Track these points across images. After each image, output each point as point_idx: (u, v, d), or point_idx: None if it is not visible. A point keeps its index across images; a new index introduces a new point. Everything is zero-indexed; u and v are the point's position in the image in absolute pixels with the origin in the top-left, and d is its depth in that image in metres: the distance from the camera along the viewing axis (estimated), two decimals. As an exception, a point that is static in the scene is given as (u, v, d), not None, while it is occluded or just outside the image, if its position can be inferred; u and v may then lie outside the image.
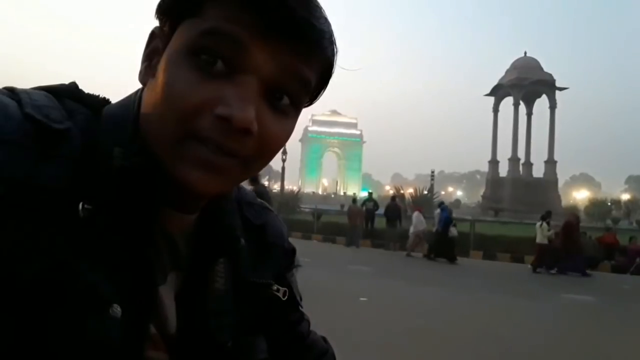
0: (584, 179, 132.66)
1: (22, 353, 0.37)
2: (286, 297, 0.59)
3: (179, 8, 0.43)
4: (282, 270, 0.62)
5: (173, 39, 0.43)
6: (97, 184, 0.42)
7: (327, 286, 7.27)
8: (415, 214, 13.24)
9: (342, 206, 21.01)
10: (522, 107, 38.67)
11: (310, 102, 0.50)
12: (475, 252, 13.37)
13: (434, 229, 12.44)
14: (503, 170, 38.52)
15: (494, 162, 39.52)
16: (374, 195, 17.77)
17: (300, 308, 0.65)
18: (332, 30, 0.46)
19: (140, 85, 0.48)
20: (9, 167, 0.37)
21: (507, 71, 38.81)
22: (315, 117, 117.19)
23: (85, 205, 0.40)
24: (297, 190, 26.86)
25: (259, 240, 0.59)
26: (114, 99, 0.50)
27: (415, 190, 20.88)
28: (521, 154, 38.27)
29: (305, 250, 10.27)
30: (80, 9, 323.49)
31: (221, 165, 0.42)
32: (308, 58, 0.44)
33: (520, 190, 34.25)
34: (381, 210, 15.02)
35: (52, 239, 0.38)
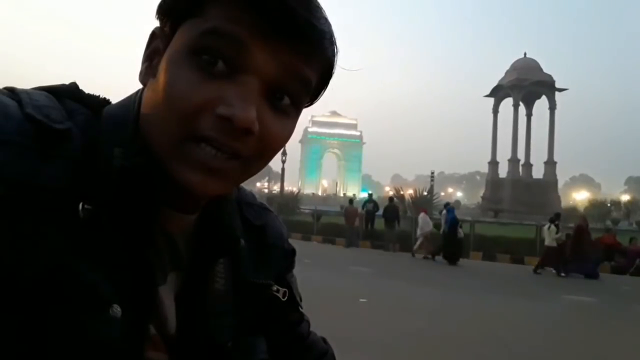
0: (583, 180, 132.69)
1: (23, 353, 0.37)
2: (286, 297, 0.59)
3: (179, 8, 0.43)
4: (282, 271, 0.63)
5: (174, 40, 0.44)
6: (97, 184, 0.42)
7: (327, 287, 7.27)
8: (421, 215, 13.16)
9: (342, 207, 21.02)
10: (522, 108, 38.68)
11: (311, 102, 0.50)
12: (474, 253, 13.38)
13: (441, 230, 12.35)
14: (503, 171, 38.56)
15: (493, 163, 39.52)
16: (375, 196, 17.78)
17: (300, 309, 0.65)
18: (332, 31, 0.46)
19: (140, 86, 0.48)
20: (9, 167, 0.37)
21: (507, 72, 38.83)
22: (315, 118, 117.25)
23: (86, 206, 0.40)
24: (297, 191, 26.87)
25: (259, 241, 0.59)
26: (114, 100, 0.50)
27: (415, 191, 20.84)
28: (521, 155, 38.29)
29: (305, 251, 10.27)
30: (80, 9, 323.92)
31: (221, 168, 0.42)
32: (309, 58, 0.44)
33: (520, 191, 34.25)
34: (380, 211, 15.01)
35: (52, 239, 0.38)
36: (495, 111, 40.23)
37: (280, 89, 0.44)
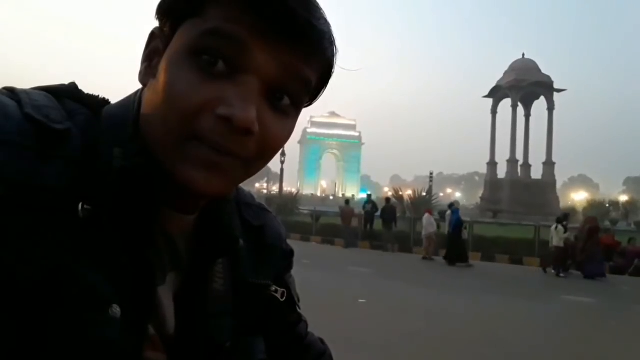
0: (582, 181, 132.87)
1: (23, 353, 0.37)
2: (284, 298, 0.60)
3: (179, 8, 0.43)
4: (281, 272, 0.63)
5: (174, 40, 0.44)
6: (97, 184, 0.42)
7: (326, 288, 7.27)
8: (426, 217, 13.07)
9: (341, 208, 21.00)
10: (521, 109, 38.67)
11: (310, 102, 0.50)
12: (473, 254, 13.37)
13: (446, 231, 12.26)
14: (501, 171, 38.53)
15: (492, 164, 39.50)
16: (374, 197, 17.78)
17: (298, 309, 0.65)
18: (332, 31, 0.46)
19: (140, 86, 0.48)
20: (9, 168, 0.37)
21: (506, 73, 38.83)
22: (314, 119, 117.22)
23: (85, 206, 0.40)
24: (296, 192, 26.85)
25: (258, 242, 0.59)
26: (113, 100, 0.50)
27: (414, 191, 20.84)
28: (519, 155, 38.31)
29: (304, 251, 10.26)
30: (80, 9, 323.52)
31: (223, 165, 0.42)
32: (309, 58, 0.44)
33: (519, 192, 34.26)
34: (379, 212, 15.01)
35: (52, 239, 0.38)
36: (494, 112, 40.23)
37: (280, 89, 0.44)
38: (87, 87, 0.50)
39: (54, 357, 0.37)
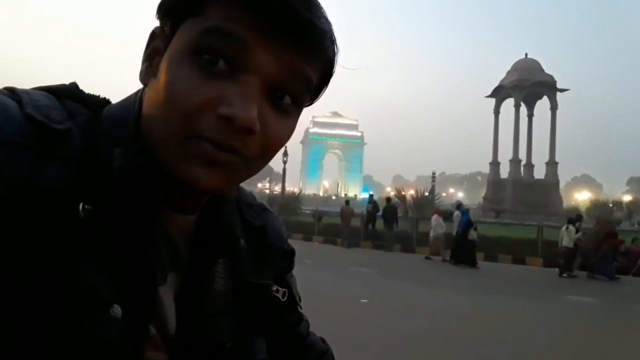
0: (585, 180, 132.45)
1: (23, 353, 0.37)
2: (285, 298, 0.60)
3: (180, 7, 0.43)
4: (282, 272, 0.63)
5: (174, 39, 0.44)
6: (97, 184, 0.42)
7: (328, 287, 7.27)
8: (434, 217, 12.94)
9: (343, 208, 20.98)
10: (523, 109, 38.55)
11: (311, 101, 0.50)
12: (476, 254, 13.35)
13: (454, 232, 12.13)
14: (504, 171, 38.43)
15: (495, 164, 39.41)
16: (376, 197, 17.78)
17: (299, 309, 0.65)
18: (332, 30, 0.46)
19: (140, 86, 0.48)
20: (9, 168, 0.37)
21: (508, 72, 38.72)
22: (316, 119, 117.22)
23: (86, 206, 0.40)
24: (298, 191, 26.85)
25: (259, 242, 0.59)
26: (114, 100, 0.50)
27: (417, 191, 20.85)
28: (522, 155, 38.16)
29: (307, 251, 10.26)
30: (80, 9, 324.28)
31: (225, 161, 0.42)
32: (310, 57, 0.44)
33: (522, 192, 34.16)
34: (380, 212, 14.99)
35: (53, 239, 0.38)
36: (497, 112, 40.12)
37: (281, 88, 0.44)
38: (88, 87, 0.50)
39: (55, 357, 0.37)
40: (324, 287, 7.10)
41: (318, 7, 0.44)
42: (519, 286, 9.28)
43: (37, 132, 0.40)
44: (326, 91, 0.50)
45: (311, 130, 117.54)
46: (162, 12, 0.45)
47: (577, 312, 7.26)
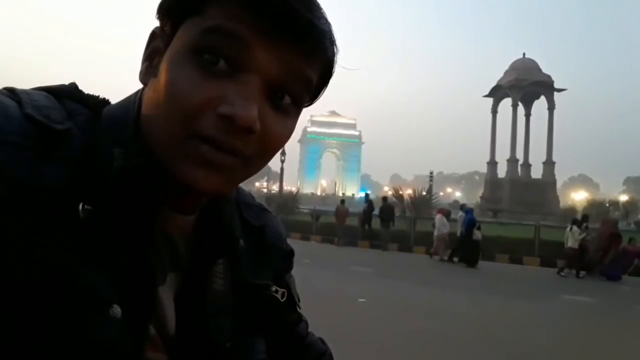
0: (582, 180, 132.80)
1: (23, 353, 0.37)
2: (285, 298, 0.60)
3: (180, 7, 0.44)
4: (281, 272, 0.63)
5: (175, 39, 0.44)
6: (97, 184, 0.42)
7: (326, 287, 7.27)
8: (438, 217, 12.90)
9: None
10: (521, 108, 38.64)
11: (311, 102, 0.50)
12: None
13: (458, 232, 12.10)
14: (501, 171, 38.52)
15: (492, 163, 39.49)
16: (374, 196, 17.80)
17: (298, 309, 0.65)
18: (332, 31, 0.46)
19: (140, 86, 0.48)
20: (9, 168, 0.37)
21: (506, 72, 38.80)
22: (314, 118, 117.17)
23: (86, 206, 0.40)
24: (296, 191, 26.81)
25: (258, 242, 0.60)
26: (113, 100, 0.50)
27: (414, 191, 20.87)
28: (520, 155, 38.28)
29: (304, 250, 10.25)
30: (80, 9, 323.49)
31: (224, 164, 0.42)
32: (310, 58, 0.44)
33: (519, 191, 34.25)
34: (376, 211, 14.98)
35: (52, 239, 0.38)
36: (494, 111, 40.20)
37: (281, 88, 0.44)
38: (87, 87, 0.50)
39: (55, 357, 0.37)
40: (322, 286, 7.10)
41: (318, 8, 0.44)
42: (516, 285, 9.31)
43: (36, 132, 0.40)
44: (325, 91, 0.50)
45: (309, 129, 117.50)
46: (162, 12, 0.45)
47: (575, 312, 7.29)
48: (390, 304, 6.74)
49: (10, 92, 0.43)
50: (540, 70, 37.77)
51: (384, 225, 14.29)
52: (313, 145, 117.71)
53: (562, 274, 10.70)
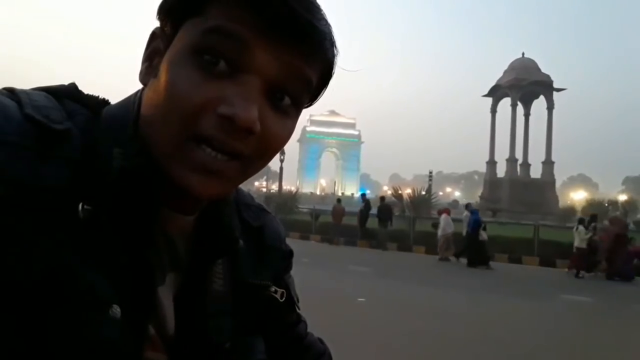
0: (581, 180, 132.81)
1: (22, 353, 0.37)
2: (284, 298, 0.60)
3: (181, 8, 0.44)
4: (280, 272, 0.63)
5: (175, 39, 0.44)
6: (96, 184, 0.42)
7: (325, 287, 7.27)
8: (443, 217, 12.86)
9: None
10: (520, 108, 38.66)
11: (310, 103, 0.50)
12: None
13: (463, 232, 12.05)
14: (501, 170, 38.52)
15: (491, 163, 39.50)
16: (373, 195, 17.80)
17: (297, 309, 0.66)
18: (332, 32, 0.46)
19: (139, 86, 0.48)
20: (9, 168, 0.37)
21: (505, 72, 38.81)
22: (314, 118, 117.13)
23: (85, 206, 0.40)
24: (295, 190, 26.79)
25: (257, 242, 0.60)
26: (113, 101, 0.50)
27: (414, 190, 20.88)
28: (519, 154, 38.29)
29: (304, 250, 10.25)
30: (81, 9, 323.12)
31: (221, 169, 0.42)
32: (310, 59, 0.44)
33: (518, 191, 34.27)
34: (374, 210, 14.98)
35: (52, 239, 0.38)
36: (494, 111, 40.21)
37: (281, 89, 0.44)
38: (87, 87, 0.50)
39: (55, 357, 0.37)
40: (322, 286, 7.10)
41: (318, 9, 0.44)
42: (516, 285, 9.32)
43: (36, 133, 0.40)
44: (324, 92, 0.50)
45: (308, 129, 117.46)
46: (162, 12, 0.45)
47: (575, 312, 7.28)
48: (390, 304, 6.74)
49: (10, 92, 0.43)
50: (539, 69, 37.79)
51: (382, 225, 14.29)
52: (312, 144, 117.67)
53: (580, 275, 10.54)
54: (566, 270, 11.12)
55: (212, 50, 0.41)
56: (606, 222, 12.06)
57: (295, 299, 0.64)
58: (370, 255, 12.95)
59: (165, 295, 0.48)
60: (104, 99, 0.50)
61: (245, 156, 0.43)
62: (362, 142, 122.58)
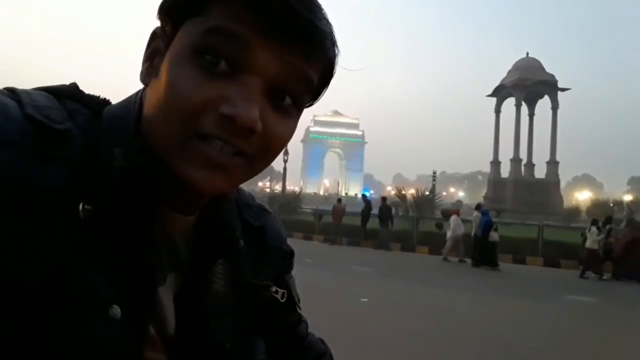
0: (586, 180, 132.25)
1: (22, 353, 0.37)
2: (285, 299, 0.59)
3: (181, 8, 0.44)
4: (281, 272, 0.63)
5: (176, 39, 0.44)
6: (97, 184, 0.42)
7: (328, 287, 7.28)
8: (453, 218, 12.71)
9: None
10: (524, 108, 38.55)
11: (312, 102, 0.50)
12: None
13: (472, 233, 11.93)
14: (505, 171, 38.44)
15: (495, 163, 39.42)
16: (377, 196, 17.79)
17: (298, 310, 0.65)
18: (333, 32, 0.46)
19: (141, 86, 0.48)
20: (10, 168, 0.37)
21: (509, 72, 38.71)
22: (317, 118, 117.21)
23: (86, 206, 0.40)
24: (299, 190, 26.80)
25: (258, 242, 0.60)
26: (114, 101, 0.50)
27: (417, 191, 20.86)
28: (523, 154, 38.17)
29: (307, 250, 10.26)
30: (81, 9, 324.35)
31: (226, 164, 0.42)
32: (311, 58, 0.44)
33: (522, 191, 34.17)
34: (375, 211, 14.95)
35: (53, 239, 0.38)
36: (498, 111, 40.11)
37: (282, 89, 0.44)
38: (88, 87, 0.50)
39: (54, 357, 0.37)
40: (325, 286, 7.10)
41: (319, 9, 0.44)
42: (519, 285, 9.29)
43: (37, 133, 0.40)
44: (327, 90, 0.50)
45: (312, 129, 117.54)
46: (163, 12, 0.45)
47: (577, 312, 7.26)
48: (393, 304, 6.74)
49: (11, 92, 0.43)
50: (543, 69, 37.68)
51: (383, 225, 14.27)
52: (316, 145, 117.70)
53: (604, 277, 10.39)
54: (578, 271, 10.98)
55: (213, 50, 0.41)
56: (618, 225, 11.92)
57: (296, 299, 0.64)
58: (373, 255, 12.94)
59: (166, 296, 0.48)
60: (104, 99, 0.49)
61: (248, 155, 0.43)
62: (366, 143, 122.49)
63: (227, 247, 0.53)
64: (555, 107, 37.47)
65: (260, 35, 0.41)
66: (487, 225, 11.62)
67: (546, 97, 37.89)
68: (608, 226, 11.13)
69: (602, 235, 10.87)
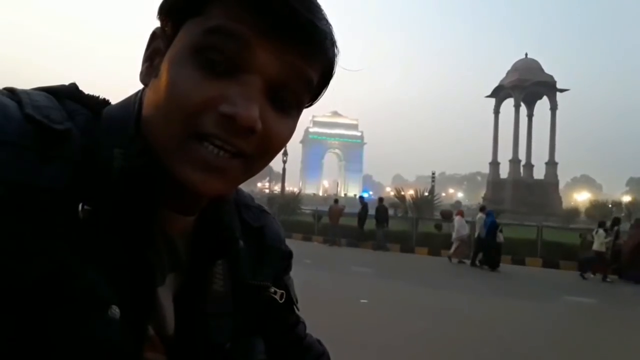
0: (584, 181, 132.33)
1: (22, 353, 0.36)
2: (283, 299, 0.60)
3: (181, 7, 0.44)
4: (280, 273, 0.63)
5: (176, 39, 0.44)
6: (97, 185, 0.42)
7: (328, 288, 7.27)
8: (457, 219, 12.67)
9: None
10: (523, 109, 38.58)
11: (311, 102, 0.50)
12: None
13: (476, 234, 11.86)
14: (504, 171, 38.48)
15: (494, 164, 39.45)
16: (376, 197, 17.80)
17: (297, 310, 0.66)
18: (333, 32, 0.46)
19: (140, 87, 0.49)
20: (9, 168, 0.37)
21: (508, 72, 38.76)
22: (316, 119, 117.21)
23: (85, 206, 0.40)
24: (298, 191, 26.82)
25: (257, 243, 0.60)
26: (114, 101, 0.50)
27: (416, 191, 20.83)
28: (522, 155, 38.19)
29: (306, 251, 10.26)
30: (81, 9, 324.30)
31: (224, 166, 0.42)
32: (310, 58, 0.44)
33: (521, 192, 34.19)
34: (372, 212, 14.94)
35: (52, 240, 0.38)
36: (497, 112, 40.15)
37: (282, 89, 0.44)
38: (88, 87, 0.50)
39: (54, 357, 0.37)
40: (324, 287, 7.10)
41: (319, 9, 0.44)
42: (518, 286, 9.29)
43: (36, 133, 0.40)
44: (326, 91, 0.50)
45: (311, 130, 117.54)
46: (163, 12, 0.45)
47: (576, 313, 7.26)
48: (392, 305, 6.73)
49: (11, 92, 0.43)
50: (542, 70, 37.72)
51: (379, 226, 14.26)
52: (315, 145, 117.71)
53: (607, 280, 10.29)
54: (578, 272, 10.95)
55: (213, 50, 0.41)
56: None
57: (295, 300, 0.64)
58: (372, 256, 12.93)
59: (165, 296, 0.48)
60: (104, 99, 0.49)
61: (247, 155, 0.43)
62: (365, 143, 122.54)
63: (226, 248, 0.53)
64: (554, 107, 37.50)
65: (260, 35, 0.41)
66: (492, 226, 11.54)
67: (545, 98, 37.93)
68: (616, 228, 11.03)
69: (610, 238, 10.75)
